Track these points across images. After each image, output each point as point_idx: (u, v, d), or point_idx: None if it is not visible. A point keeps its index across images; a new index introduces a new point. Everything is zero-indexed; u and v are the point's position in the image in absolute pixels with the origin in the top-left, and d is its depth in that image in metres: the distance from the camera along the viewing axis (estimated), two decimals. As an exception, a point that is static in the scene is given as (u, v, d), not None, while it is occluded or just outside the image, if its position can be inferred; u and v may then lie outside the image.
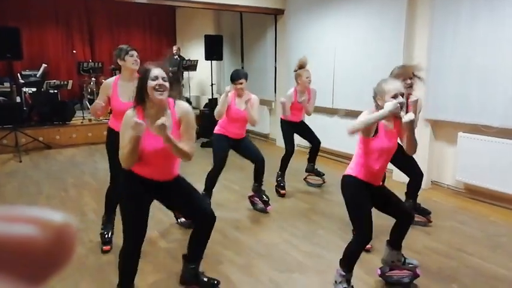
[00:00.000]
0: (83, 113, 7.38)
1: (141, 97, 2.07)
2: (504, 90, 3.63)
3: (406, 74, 2.83)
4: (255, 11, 6.41)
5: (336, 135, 5.28)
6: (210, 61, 7.32)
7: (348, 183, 2.32)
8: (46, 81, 7.08)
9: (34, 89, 7.43)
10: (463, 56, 3.95)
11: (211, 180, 3.54)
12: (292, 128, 4.22)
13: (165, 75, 2.05)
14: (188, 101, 7.92)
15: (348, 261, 2.28)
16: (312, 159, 4.43)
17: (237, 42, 7.92)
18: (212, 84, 7.53)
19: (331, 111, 5.66)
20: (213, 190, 3.58)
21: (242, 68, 7.48)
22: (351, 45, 5.24)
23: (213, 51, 7.18)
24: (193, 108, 7.53)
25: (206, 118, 7.01)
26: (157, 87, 2.01)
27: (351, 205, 2.29)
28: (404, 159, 2.98)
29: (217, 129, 3.60)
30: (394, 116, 2.19)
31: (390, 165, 2.74)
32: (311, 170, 4.48)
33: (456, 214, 3.68)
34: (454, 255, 2.88)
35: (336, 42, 5.47)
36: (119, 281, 2.22)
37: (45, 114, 6.84)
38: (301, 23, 6.08)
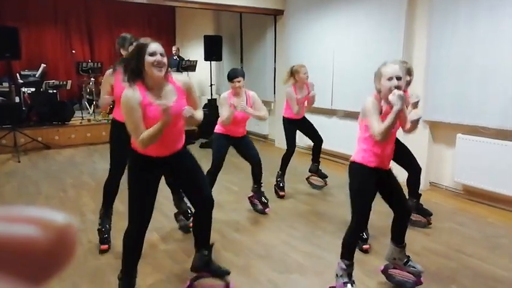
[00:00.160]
0: (82, 113, 7.37)
1: (139, 72, 2.03)
2: (504, 90, 3.63)
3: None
4: (254, 12, 6.41)
5: (334, 135, 5.28)
6: (209, 61, 7.32)
7: (356, 172, 2.33)
8: (45, 81, 7.09)
9: (33, 89, 7.43)
10: (462, 56, 3.95)
11: (211, 177, 3.54)
12: (295, 125, 4.21)
13: (162, 51, 2.03)
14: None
15: (347, 249, 2.32)
16: (315, 159, 4.39)
17: (236, 42, 7.92)
18: (211, 85, 7.54)
19: (330, 112, 5.66)
20: (212, 190, 3.57)
21: (241, 68, 7.48)
22: (350, 46, 5.24)
23: (213, 51, 7.18)
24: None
25: (205, 119, 6.96)
26: (155, 63, 1.99)
27: (355, 192, 2.32)
28: (402, 152, 2.98)
29: (217, 129, 3.60)
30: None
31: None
32: (315, 170, 4.42)
33: (455, 215, 3.68)
34: (453, 256, 2.88)
35: (335, 42, 5.47)
36: (122, 265, 2.22)
37: (44, 114, 6.84)
38: (300, 24, 6.09)
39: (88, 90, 8.00)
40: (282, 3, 6.41)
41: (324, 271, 2.65)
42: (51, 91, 7.13)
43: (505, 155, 3.67)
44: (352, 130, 5.19)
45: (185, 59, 8.12)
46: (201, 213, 2.36)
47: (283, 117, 4.22)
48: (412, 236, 2.96)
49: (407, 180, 3.37)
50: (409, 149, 3.27)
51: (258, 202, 3.76)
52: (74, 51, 8.65)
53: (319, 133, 4.28)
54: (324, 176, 4.45)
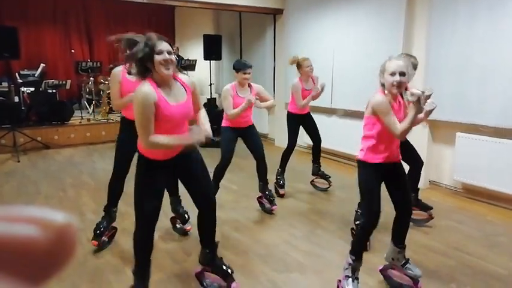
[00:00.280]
0: (81, 113, 7.36)
1: (146, 69, 2.02)
2: (503, 89, 3.63)
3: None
4: (254, 11, 6.40)
5: (334, 134, 5.28)
6: (208, 61, 7.31)
7: (364, 171, 2.35)
8: (44, 81, 7.07)
9: (32, 89, 7.41)
10: (461, 55, 3.95)
11: (220, 171, 3.55)
12: (298, 121, 4.20)
13: (170, 49, 2.02)
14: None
15: (358, 244, 2.35)
16: (316, 160, 4.37)
17: (236, 42, 7.91)
18: (211, 84, 7.52)
19: (329, 111, 5.66)
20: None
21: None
22: (350, 45, 5.24)
23: (212, 50, 7.17)
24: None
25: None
26: (163, 62, 1.98)
27: (364, 189, 2.35)
28: (405, 147, 2.98)
29: (224, 123, 3.60)
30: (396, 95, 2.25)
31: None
32: (316, 172, 4.39)
33: (454, 214, 3.69)
34: (452, 254, 2.89)
35: (335, 42, 5.47)
36: (135, 259, 2.22)
37: (44, 114, 6.83)
38: (300, 23, 6.08)
39: (87, 89, 7.99)
40: (281, 3, 6.41)
41: (324, 270, 2.66)
42: (50, 91, 7.11)
43: (504, 153, 3.68)
44: (352, 129, 5.24)
45: (184, 58, 8.10)
46: (205, 214, 2.36)
47: (288, 111, 4.22)
48: (410, 234, 2.94)
49: (408, 174, 3.36)
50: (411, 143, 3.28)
51: (266, 201, 3.74)
52: (73, 51, 8.63)
53: (320, 133, 4.29)
54: (326, 177, 4.41)
